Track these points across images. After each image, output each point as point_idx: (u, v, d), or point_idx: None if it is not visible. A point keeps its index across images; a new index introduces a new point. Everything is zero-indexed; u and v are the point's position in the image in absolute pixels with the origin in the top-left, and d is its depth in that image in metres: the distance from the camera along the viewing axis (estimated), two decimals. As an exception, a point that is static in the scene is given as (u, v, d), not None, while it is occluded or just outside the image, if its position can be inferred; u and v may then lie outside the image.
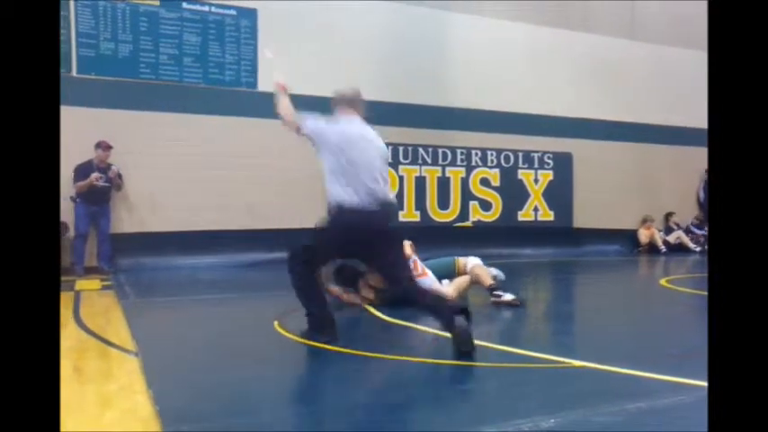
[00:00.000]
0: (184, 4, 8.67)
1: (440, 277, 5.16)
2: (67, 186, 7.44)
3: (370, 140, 3.64)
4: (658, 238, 11.48)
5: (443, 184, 10.19)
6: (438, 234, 9.23)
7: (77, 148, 7.56)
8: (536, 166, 10.93)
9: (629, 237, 11.62)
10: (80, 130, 7.63)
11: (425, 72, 9.97)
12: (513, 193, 10.70)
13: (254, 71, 9.01)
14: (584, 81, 11.14)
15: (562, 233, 11.09)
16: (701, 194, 12.39)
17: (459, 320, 3.22)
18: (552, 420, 2.28)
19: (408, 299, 3.52)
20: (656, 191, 11.91)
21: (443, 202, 10.20)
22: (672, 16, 11.87)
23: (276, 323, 4.14)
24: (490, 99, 10.36)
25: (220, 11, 8.85)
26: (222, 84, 8.85)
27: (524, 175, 10.84)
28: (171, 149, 8.42)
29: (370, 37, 9.66)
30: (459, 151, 10.32)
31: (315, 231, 3.67)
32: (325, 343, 3.52)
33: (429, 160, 10.10)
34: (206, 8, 8.78)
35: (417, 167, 9.98)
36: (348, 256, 4.43)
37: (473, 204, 10.42)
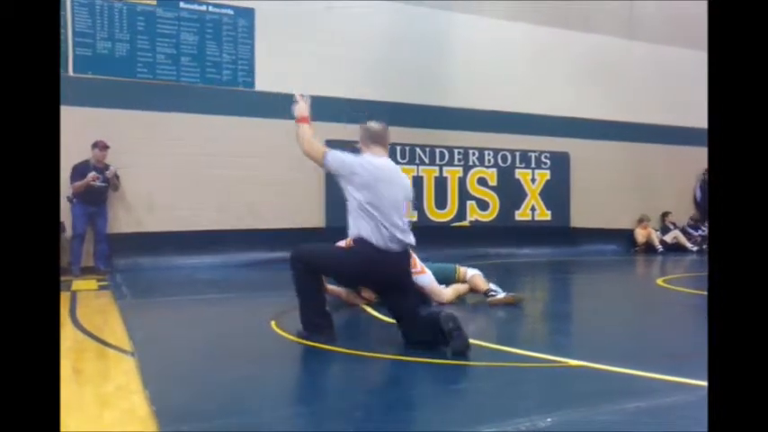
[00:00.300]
0: (181, 4, 8.65)
1: (439, 282, 5.17)
2: (65, 186, 7.41)
3: (396, 179, 3.60)
4: (655, 237, 11.51)
5: (441, 183, 10.20)
6: (435, 234, 9.23)
7: (74, 148, 7.53)
8: (533, 165, 10.95)
9: (625, 236, 11.65)
10: (77, 130, 7.60)
11: (423, 71, 9.98)
12: (511, 192, 10.72)
13: (251, 71, 9.00)
14: (581, 81, 11.16)
15: (559, 233, 11.11)
16: (698, 194, 12.43)
17: (451, 319, 3.22)
18: (549, 420, 2.28)
19: (407, 332, 3.54)
20: (653, 190, 11.93)
21: (441, 202, 10.21)
22: (670, 16, 11.89)
23: (273, 323, 4.14)
24: (488, 99, 10.37)
25: (217, 10, 8.84)
26: (219, 83, 8.84)
27: (521, 174, 10.85)
28: (168, 149, 8.41)
29: (368, 36, 9.66)
30: (456, 151, 10.33)
31: (331, 250, 3.69)
32: (322, 343, 3.52)
33: (426, 160, 10.10)
34: (203, 7, 8.77)
35: (414, 167, 9.97)
36: (359, 285, 4.45)
37: (470, 204, 10.43)
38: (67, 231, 7.58)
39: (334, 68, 9.38)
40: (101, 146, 7.67)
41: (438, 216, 10.14)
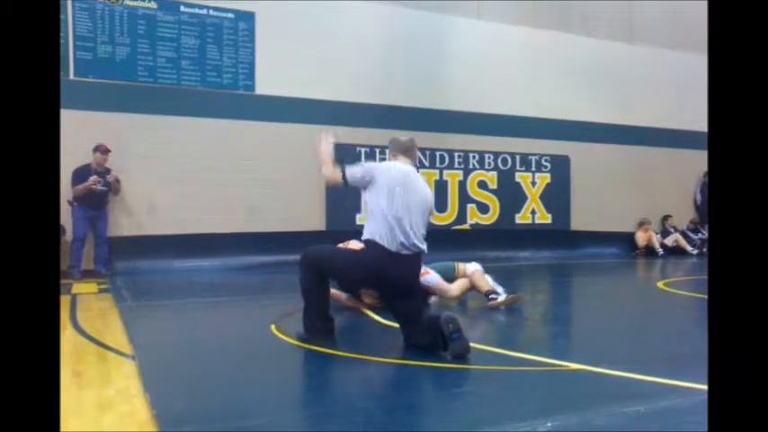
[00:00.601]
0: (182, 7, 8.67)
1: None
2: (65, 190, 7.42)
3: (416, 186, 3.64)
4: (655, 240, 11.50)
5: (441, 187, 10.20)
6: (436, 237, 9.21)
7: (75, 152, 7.55)
8: (533, 168, 10.95)
9: (626, 239, 11.64)
10: (77, 134, 7.62)
11: (423, 75, 10.00)
12: (511, 195, 10.72)
13: (251, 74, 9.02)
14: (581, 84, 11.17)
15: (560, 236, 11.11)
16: (698, 197, 12.43)
17: (451, 321, 3.23)
18: (549, 423, 2.28)
19: (409, 336, 3.55)
20: (653, 194, 11.94)
21: (441, 206, 10.20)
22: (670, 19, 11.92)
23: (273, 326, 4.14)
24: (488, 102, 10.40)
25: (218, 14, 8.86)
26: (220, 87, 8.85)
27: (522, 177, 10.86)
28: (168, 152, 8.42)
29: (368, 40, 9.68)
30: (456, 154, 10.34)
31: (341, 252, 3.72)
32: (322, 346, 3.52)
33: (426, 163, 10.10)
34: (204, 11, 8.79)
35: (415, 167, 9.96)
36: (368, 288, 4.46)
37: (471, 207, 10.43)
38: (68, 234, 7.59)
39: (334, 72, 9.40)
40: (102, 150, 7.68)
41: (439, 219, 10.13)
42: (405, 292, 3.56)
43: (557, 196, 11.08)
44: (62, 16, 7.94)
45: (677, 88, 11.75)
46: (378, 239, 3.46)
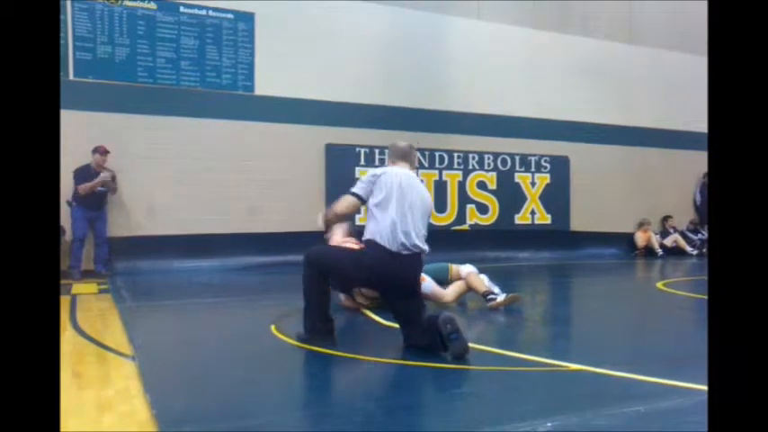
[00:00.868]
0: (182, 8, 8.68)
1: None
2: (65, 190, 7.42)
3: (416, 188, 3.69)
4: (655, 241, 11.51)
5: (440, 187, 10.21)
6: (435, 238, 9.22)
7: (74, 152, 7.55)
8: (533, 169, 10.96)
9: (625, 240, 11.65)
10: (77, 134, 7.62)
11: (423, 75, 10.01)
12: (511, 196, 10.73)
13: (251, 75, 9.02)
14: (581, 84, 11.19)
15: (559, 236, 11.11)
16: (698, 198, 12.44)
17: (449, 321, 3.23)
18: (549, 424, 2.28)
19: (409, 336, 3.56)
20: (652, 194, 11.95)
21: (440, 206, 10.21)
22: (670, 20, 11.94)
23: (273, 327, 4.14)
24: (487, 102, 10.41)
25: (218, 14, 8.86)
26: (219, 87, 8.86)
27: (521, 178, 10.86)
28: (168, 153, 8.43)
29: (368, 40, 9.68)
30: (456, 155, 10.34)
31: (343, 252, 3.73)
32: (322, 347, 3.52)
33: (426, 164, 10.11)
34: (203, 12, 8.79)
35: (414, 171, 9.96)
36: (369, 287, 4.47)
37: (470, 208, 10.44)
38: (68, 235, 7.59)
39: (333, 73, 9.41)
40: (101, 151, 7.68)
41: (438, 220, 10.14)
42: (405, 292, 3.57)
43: (556, 197, 11.09)
44: (62, 17, 7.95)
45: (677, 89, 11.77)
46: (378, 239, 3.47)
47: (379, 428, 2.33)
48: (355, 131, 9.53)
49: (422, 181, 9.91)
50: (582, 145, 11.26)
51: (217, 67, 8.84)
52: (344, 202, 3.63)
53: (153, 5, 8.49)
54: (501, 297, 5.04)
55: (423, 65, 10.01)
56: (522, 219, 10.85)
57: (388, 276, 3.52)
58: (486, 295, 5.07)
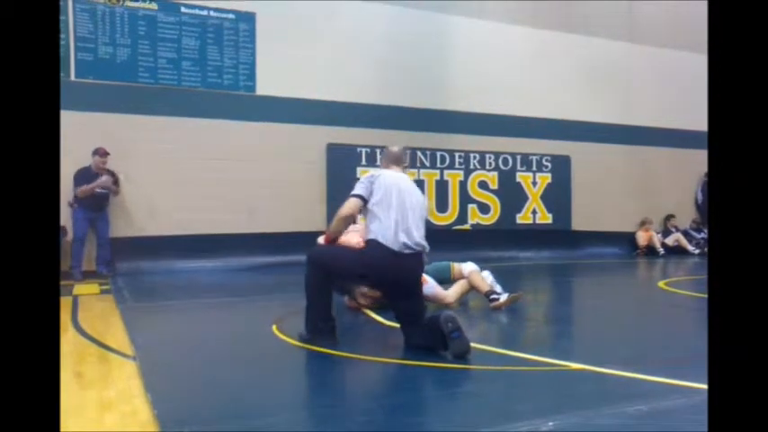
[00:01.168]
0: (183, 8, 8.68)
1: (435, 281, 5.17)
2: (66, 190, 7.43)
3: (411, 189, 3.76)
4: (657, 240, 11.49)
5: (442, 187, 10.21)
6: (437, 237, 9.22)
7: (75, 152, 7.56)
8: (534, 168, 10.95)
9: (627, 239, 11.64)
10: (78, 135, 7.63)
11: (424, 75, 10.00)
12: (512, 195, 10.72)
13: (252, 75, 9.02)
14: (582, 84, 11.18)
15: (561, 236, 11.10)
16: (699, 197, 12.42)
17: (451, 320, 3.23)
18: (551, 423, 2.28)
19: (410, 336, 3.57)
20: (654, 193, 11.93)
21: (442, 206, 10.21)
22: (671, 19, 11.92)
23: (275, 327, 4.14)
24: (489, 102, 10.40)
25: (219, 15, 8.86)
26: (221, 87, 8.86)
27: (522, 177, 10.86)
28: (169, 153, 8.43)
29: (369, 40, 9.68)
30: (457, 154, 10.34)
31: (345, 251, 3.73)
32: (323, 347, 3.52)
33: (427, 163, 10.11)
34: (204, 12, 8.80)
35: (416, 171, 9.98)
36: (370, 286, 4.47)
37: (471, 207, 10.43)
38: (69, 235, 7.60)
39: (334, 72, 9.41)
40: (101, 153, 7.67)
41: (439, 219, 10.15)
42: (407, 291, 3.58)
43: (558, 196, 11.08)
44: (63, 17, 7.96)
45: (679, 88, 11.75)
46: (381, 239, 3.48)
47: (380, 428, 2.33)
48: (357, 131, 9.53)
49: (423, 180, 10.01)
50: (583, 144, 11.25)
51: (218, 67, 8.85)
52: (348, 205, 3.64)
53: (154, 6, 8.50)
54: (503, 297, 5.03)
55: (424, 64, 10.00)
56: (523, 218, 10.85)
57: (391, 275, 3.53)
58: (488, 295, 5.06)
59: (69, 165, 7.50)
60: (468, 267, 5.25)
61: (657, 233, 11.67)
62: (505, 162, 10.70)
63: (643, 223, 11.60)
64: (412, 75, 9.88)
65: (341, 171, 9.18)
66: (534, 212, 10.95)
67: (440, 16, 10.17)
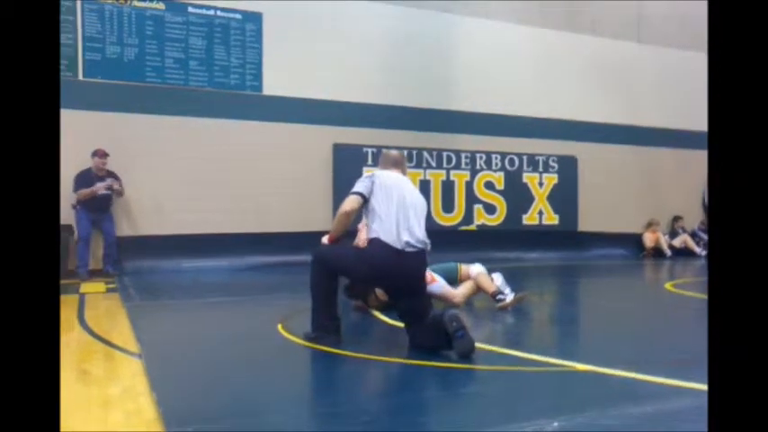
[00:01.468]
0: (190, 8, 8.71)
1: None
2: (69, 192, 7.45)
3: (411, 190, 3.80)
4: (663, 242, 11.44)
5: (448, 187, 10.20)
6: (442, 238, 9.22)
7: (84, 152, 7.61)
8: (541, 169, 10.92)
9: (634, 240, 11.59)
10: (87, 134, 7.68)
11: (430, 75, 10.00)
12: (518, 196, 10.70)
13: (258, 75, 9.05)
14: (589, 84, 11.14)
15: (567, 237, 11.07)
16: (706, 198, 12.36)
17: (455, 319, 3.23)
18: (556, 423, 2.27)
19: (415, 336, 3.57)
20: (661, 194, 11.88)
21: (448, 206, 10.20)
22: (679, 19, 11.86)
23: (280, 326, 4.15)
24: (495, 102, 10.38)
25: (226, 15, 8.89)
26: (227, 87, 8.89)
27: (529, 178, 10.83)
28: (177, 153, 8.47)
29: (375, 40, 9.69)
30: (463, 155, 10.32)
31: (348, 250, 3.74)
32: (328, 346, 3.53)
33: (433, 164, 10.10)
34: (211, 12, 8.83)
35: (422, 171, 9.98)
36: (373, 285, 4.48)
37: (477, 208, 10.42)
38: (76, 235, 7.63)
39: (341, 72, 9.42)
40: (100, 154, 7.69)
41: (445, 220, 10.14)
42: (410, 289, 3.58)
43: (564, 197, 11.05)
44: (71, 17, 8.01)
45: (686, 88, 11.68)
46: (383, 237, 3.49)
47: (383, 428, 2.33)
48: (363, 131, 9.54)
49: (429, 180, 10.01)
50: (590, 145, 11.22)
51: (225, 66, 8.87)
52: (349, 202, 3.66)
53: (161, 6, 8.53)
54: (509, 297, 5.02)
55: (430, 64, 10.00)
56: (529, 219, 10.82)
57: (394, 274, 3.54)
58: (495, 295, 5.05)
59: (77, 164, 7.56)
60: (476, 269, 5.24)
61: (664, 234, 11.62)
62: (512, 162, 10.68)
63: (650, 224, 11.55)
64: (418, 75, 9.88)
65: (347, 171, 9.17)
66: (540, 213, 10.92)
67: (446, 16, 10.17)
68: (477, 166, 10.43)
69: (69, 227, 7.53)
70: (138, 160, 8.17)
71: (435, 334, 3.32)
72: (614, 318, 5.15)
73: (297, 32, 9.16)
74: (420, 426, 2.45)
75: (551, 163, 10.98)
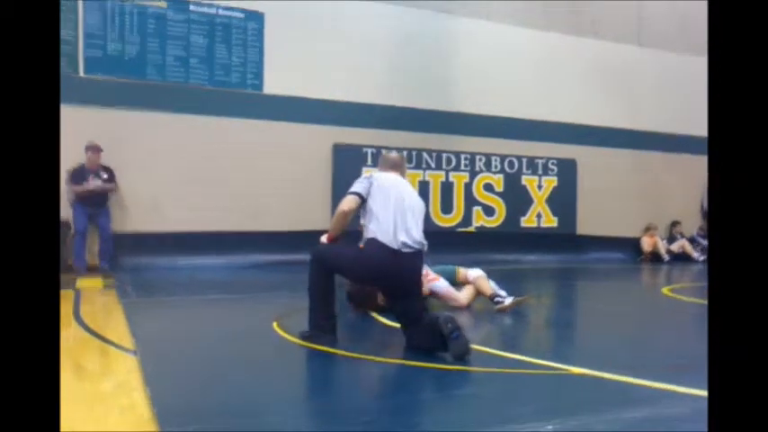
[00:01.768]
0: (192, 6, 8.71)
1: None
2: (67, 187, 7.45)
3: (408, 191, 3.81)
4: (661, 246, 11.44)
5: (447, 188, 10.20)
6: (441, 239, 9.22)
7: (83, 147, 7.61)
8: (540, 172, 10.92)
9: (632, 245, 11.59)
10: (87, 130, 7.67)
11: (431, 76, 10.00)
12: (517, 199, 10.70)
13: (259, 74, 9.05)
14: (590, 87, 11.15)
15: (565, 240, 11.07)
16: (705, 203, 12.36)
17: (450, 321, 3.23)
18: (550, 427, 2.26)
19: (411, 337, 3.56)
20: (660, 199, 11.88)
21: (447, 207, 10.20)
22: (680, 23, 11.86)
23: (275, 324, 4.14)
24: (495, 104, 10.38)
25: (227, 13, 8.89)
26: (228, 86, 8.89)
27: (528, 181, 10.83)
28: (176, 150, 8.47)
29: (377, 40, 9.69)
30: (463, 156, 10.32)
31: (346, 249, 3.75)
32: (323, 345, 3.52)
33: (433, 165, 10.10)
34: (213, 10, 8.83)
35: (421, 172, 9.98)
36: (370, 284, 4.47)
37: (476, 210, 10.42)
38: (72, 229, 7.62)
39: (342, 72, 9.42)
40: (93, 149, 7.67)
41: (444, 221, 10.14)
42: (407, 290, 3.58)
43: (563, 200, 11.05)
44: (72, 15, 8.00)
45: (687, 92, 11.67)
46: (380, 238, 3.49)
47: (377, 428, 2.33)
48: (363, 132, 9.54)
49: (428, 182, 10.00)
50: (590, 148, 11.22)
51: (226, 65, 8.87)
52: (347, 202, 3.67)
53: (163, 3, 8.53)
54: (508, 300, 5.01)
55: (431, 65, 10.00)
56: (528, 222, 10.82)
57: (391, 274, 3.54)
58: (493, 298, 5.05)
59: (77, 160, 7.56)
60: (475, 273, 5.24)
61: (663, 239, 11.62)
62: (511, 165, 10.68)
63: (648, 229, 11.55)
64: (419, 76, 9.88)
65: (346, 171, 9.17)
66: (539, 216, 10.92)
67: (448, 18, 10.17)
68: (477, 168, 10.43)
69: (66, 222, 7.52)
70: (137, 156, 8.16)
71: (431, 335, 3.32)
72: (611, 321, 5.15)
73: (298, 32, 9.16)
74: (413, 426, 2.45)
75: (551, 166, 10.98)
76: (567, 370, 3.14)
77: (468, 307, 5.12)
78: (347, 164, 9.29)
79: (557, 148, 10.98)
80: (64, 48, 7.81)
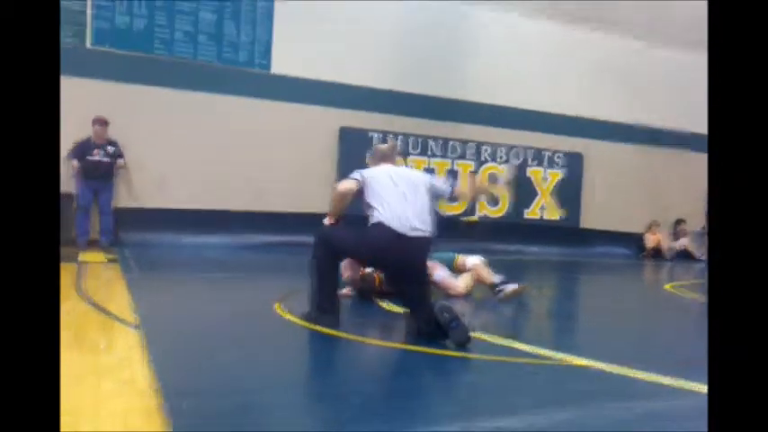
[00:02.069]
0: (202, -18, 8.63)
1: None
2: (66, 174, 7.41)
3: (408, 175, 3.81)
4: (664, 243, 11.43)
5: (452, 176, 10.16)
6: (444, 227, 9.20)
7: (88, 120, 7.58)
8: (546, 164, 10.88)
9: (635, 240, 11.58)
10: (92, 102, 7.64)
11: (440, 63, 9.93)
12: (521, 190, 10.66)
13: (267, 52, 8.98)
14: (599, 81, 11.07)
15: (569, 233, 11.05)
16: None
17: (446, 310, 3.23)
18: (548, 417, 2.27)
19: (413, 323, 3.56)
20: (665, 196, 11.84)
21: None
22: (689, 20, 11.71)
23: (277, 305, 4.15)
24: (503, 94, 10.32)
25: (238, -10, 8.80)
26: (236, 63, 8.83)
27: (533, 172, 10.79)
28: (182, 126, 8.43)
29: (386, 25, 9.62)
30: (469, 145, 10.28)
31: (352, 231, 3.73)
32: (324, 326, 3.52)
33: (438, 152, 10.06)
34: (223, -14, 8.74)
35: (426, 159, 9.94)
36: (375, 267, 4.46)
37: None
38: (75, 203, 7.61)
39: (350, 55, 9.35)
40: (100, 122, 7.64)
41: (448, 209, 10.10)
42: (412, 275, 3.57)
43: (568, 193, 11.02)
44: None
45: (697, 90, 11.54)
46: (386, 222, 3.48)
47: (373, 411, 2.33)
48: (370, 116, 9.49)
49: (434, 169, 9.96)
50: (597, 142, 11.17)
51: (234, 43, 8.81)
52: (344, 183, 3.70)
53: (173, -22, 8.44)
54: (510, 288, 4.99)
55: (441, 53, 9.92)
56: (531, 213, 10.80)
57: (395, 258, 3.52)
58: (494, 286, 5.04)
59: (81, 132, 7.53)
60: (473, 260, 5.21)
61: (670, 234, 11.61)
62: (517, 156, 10.63)
63: (651, 226, 11.53)
64: (428, 62, 9.81)
65: (352, 155, 9.13)
66: (543, 208, 10.89)
67: (460, 5, 10.07)
68: (482, 158, 10.39)
69: (69, 195, 7.50)
70: (142, 131, 8.13)
71: (434, 323, 3.31)
72: (612, 315, 5.15)
73: (309, 12, 9.08)
74: (410, 411, 2.45)
75: (557, 158, 10.94)
76: (566, 361, 3.14)
77: (467, 295, 5.10)
78: (353, 147, 9.24)
79: (564, 140, 10.93)
80: (72, 17, 7.75)
